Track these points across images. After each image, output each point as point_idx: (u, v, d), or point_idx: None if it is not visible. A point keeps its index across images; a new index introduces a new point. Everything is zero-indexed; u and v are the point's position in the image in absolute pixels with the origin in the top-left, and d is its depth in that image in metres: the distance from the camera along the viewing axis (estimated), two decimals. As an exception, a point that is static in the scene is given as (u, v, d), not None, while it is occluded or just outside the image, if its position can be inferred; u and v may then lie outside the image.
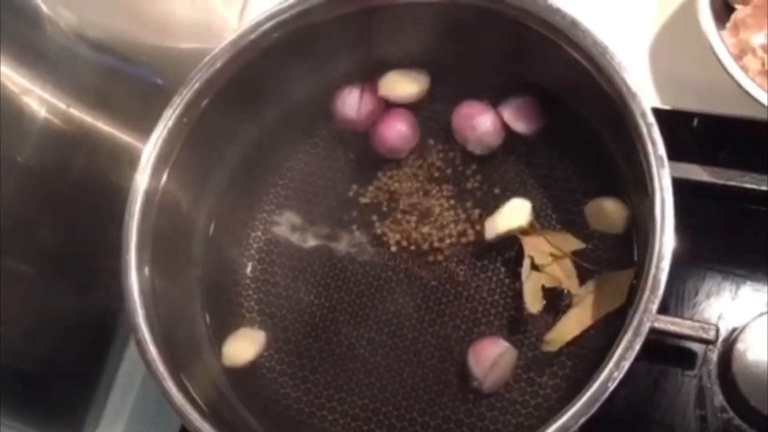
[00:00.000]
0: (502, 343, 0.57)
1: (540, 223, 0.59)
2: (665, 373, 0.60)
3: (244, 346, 0.60)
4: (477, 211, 0.62)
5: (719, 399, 0.59)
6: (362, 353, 0.60)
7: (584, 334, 0.55)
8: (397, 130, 0.63)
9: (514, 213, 0.59)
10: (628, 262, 0.56)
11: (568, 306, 0.56)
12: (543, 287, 0.56)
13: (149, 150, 0.57)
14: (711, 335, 0.52)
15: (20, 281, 0.59)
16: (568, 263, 0.57)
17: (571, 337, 0.55)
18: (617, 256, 0.57)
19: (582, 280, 0.57)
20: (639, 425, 0.60)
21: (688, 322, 0.52)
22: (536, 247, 0.57)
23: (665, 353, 0.60)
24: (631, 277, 0.54)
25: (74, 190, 0.62)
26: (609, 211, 0.58)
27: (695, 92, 0.65)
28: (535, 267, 0.57)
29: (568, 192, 0.60)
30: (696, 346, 0.60)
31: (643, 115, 0.50)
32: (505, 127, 0.62)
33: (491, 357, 0.56)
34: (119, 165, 0.64)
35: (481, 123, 0.61)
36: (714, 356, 0.60)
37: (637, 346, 0.46)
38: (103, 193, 0.63)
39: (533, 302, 0.57)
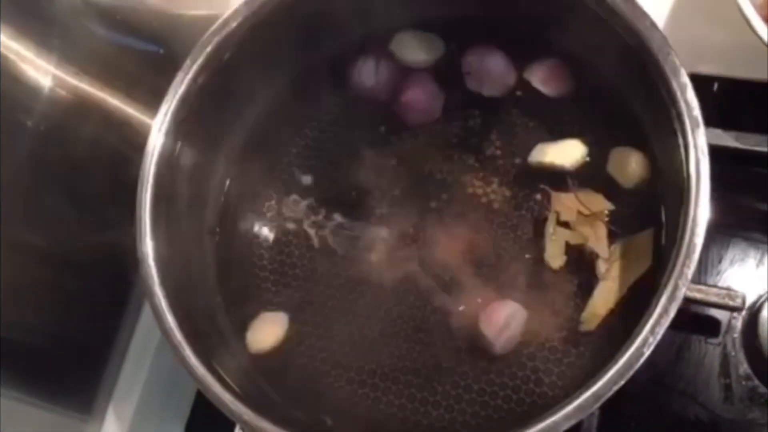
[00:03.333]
0: (512, 303, 0.56)
1: (561, 184, 0.58)
2: (688, 342, 0.60)
3: (268, 331, 0.59)
4: (495, 178, 0.60)
5: (744, 367, 0.58)
6: (382, 323, 0.58)
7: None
8: (426, 90, 0.61)
9: (566, 151, 0.57)
10: (650, 221, 0.55)
11: (596, 280, 0.55)
12: (567, 244, 0.55)
13: (162, 115, 0.55)
14: (738, 303, 0.52)
15: (29, 252, 0.58)
16: (601, 227, 0.55)
17: (606, 310, 0.53)
18: (639, 214, 0.56)
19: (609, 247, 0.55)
20: (662, 395, 0.59)
21: (715, 290, 0.52)
22: (564, 204, 0.56)
23: (689, 321, 0.59)
24: (651, 237, 0.53)
25: (84, 159, 0.60)
26: (630, 161, 0.56)
27: (718, 55, 0.64)
28: (564, 224, 0.56)
29: (592, 156, 0.58)
30: (720, 314, 0.59)
31: (676, 74, 0.49)
32: (528, 90, 0.60)
33: (502, 318, 0.55)
34: (128, 133, 0.63)
35: (492, 63, 0.60)
36: (738, 324, 0.59)
37: (672, 312, 0.45)
38: (112, 161, 0.62)
39: (554, 257, 0.56)
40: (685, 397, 0.59)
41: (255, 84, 0.62)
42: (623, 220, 0.56)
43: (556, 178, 0.59)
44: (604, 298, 0.54)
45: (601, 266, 0.55)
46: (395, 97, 0.62)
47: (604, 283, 0.54)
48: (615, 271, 0.54)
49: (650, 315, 0.45)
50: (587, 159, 0.58)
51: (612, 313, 0.54)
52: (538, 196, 0.59)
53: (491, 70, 0.61)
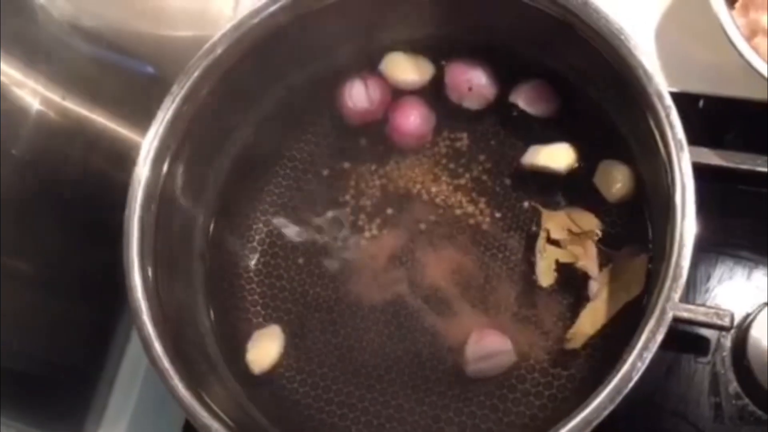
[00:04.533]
0: (507, 343, 0.55)
1: (550, 204, 0.59)
2: (678, 361, 0.60)
3: (267, 347, 0.58)
4: (483, 199, 0.61)
5: (733, 386, 0.58)
6: (372, 345, 0.58)
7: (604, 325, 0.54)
8: (419, 115, 0.61)
9: (556, 155, 0.58)
10: (639, 241, 0.55)
11: (587, 301, 0.55)
12: (557, 262, 0.55)
13: (149, 140, 0.55)
14: (726, 322, 0.52)
15: (17, 278, 0.57)
16: (591, 245, 0.56)
17: (594, 330, 0.53)
18: (628, 233, 0.57)
19: (600, 267, 0.55)
20: (652, 414, 0.59)
21: (703, 309, 0.52)
22: (555, 222, 0.56)
23: (678, 340, 0.59)
24: (646, 263, 0.53)
25: (72, 184, 0.60)
26: (616, 175, 0.57)
27: (703, 74, 0.64)
28: (554, 243, 0.56)
29: (579, 178, 0.59)
30: (709, 333, 0.59)
31: (660, 97, 0.49)
32: (515, 111, 0.61)
33: (489, 348, 0.55)
34: (117, 157, 0.63)
35: (475, 76, 0.61)
36: (727, 342, 0.59)
37: (660, 337, 0.45)
38: (101, 186, 0.62)
39: (544, 275, 0.56)
40: (675, 416, 0.59)
41: (243, 108, 0.62)
42: (612, 239, 0.57)
43: (546, 197, 0.59)
44: (593, 318, 0.54)
45: (593, 287, 0.55)
46: (387, 118, 0.62)
47: (594, 303, 0.54)
48: (606, 292, 0.54)
49: (638, 340, 0.45)
50: (577, 164, 0.58)
51: (601, 332, 0.54)
52: (527, 217, 0.59)
53: (472, 82, 0.61)
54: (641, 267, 0.54)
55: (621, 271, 0.55)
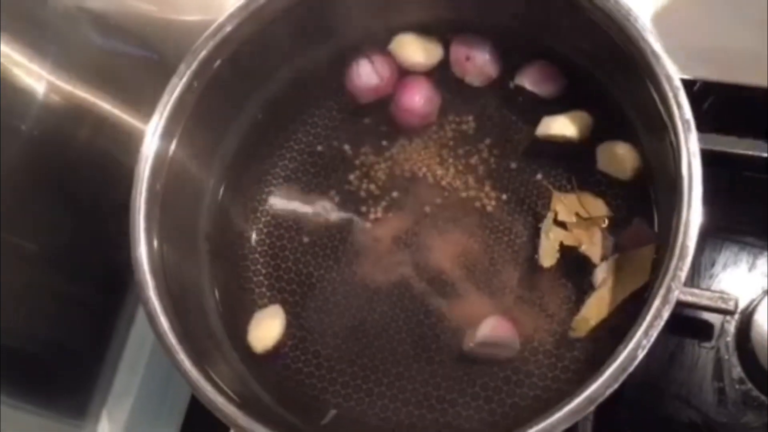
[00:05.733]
0: (516, 341, 0.56)
1: (554, 185, 0.59)
2: (682, 345, 0.60)
3: (268, 325, 0.59)
4: (489, 182, 0.61)
5: (737, 371, 0.58)
6: (376, 326, 0.58)
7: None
8: (424, 94, 0.61)
9: (571, 123, 0.58)
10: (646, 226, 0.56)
11: (591, 289, 0.55)
12: (561, 244, 0.56)
13: (156, 119, 0.55)
14: (731, 306, 0.52)
15: (22, 256, 0.57)
16: (597, 233, 0.56)
17: (599, 319, 0.53)
18: (633, 218, 0.57)
19: (604, 256, 0.55)
20: (655, 398, 0.59)
21: (707, 293, 0.52)
22: (564, 204, 0.57)
23: (682, 325, 0.60)
24: (653, 252, 0.53)
25: (78, 163, 0.60)
26: (621, 152, 0.57)
27: (711, 60, 0.64)
28: (561, 225, 0.56)
29: (584, 161, 0.59)
30: (713, 318, 0.60)
31: (669, 79, 0.49)
32: (521, 95, 0.61)
33: (498, 338, 0.55)
34: (123, 138, 0.63)
35: (476, 51, 0.61)
36: (731, 327, 0.60)
37: (666, 315, 0.45)
38: (107, 166, 0.62)
39: (546, 256, 0.56)
40: (678, 400, 0.59)
41: (250, 88, 0.62)
42: (618, 224, 0.57)
43: (552, 179, 0.59)
44: (598, 307, 0.54)
45: (598, 275, 0.55)
46: (394, 97, 0.62)
47: (599, 292, 0.54)
48: (611, 281, 0.54)
49: (643, 318, 0.45)
50: (590, 134, 0.58)
51: (605, 321, 0.54)
52: (533, 200, 0.59)
53: (475, 59, 0.61)
54: (647, 257, 0.54)
55: (627, 261, 0.55)
